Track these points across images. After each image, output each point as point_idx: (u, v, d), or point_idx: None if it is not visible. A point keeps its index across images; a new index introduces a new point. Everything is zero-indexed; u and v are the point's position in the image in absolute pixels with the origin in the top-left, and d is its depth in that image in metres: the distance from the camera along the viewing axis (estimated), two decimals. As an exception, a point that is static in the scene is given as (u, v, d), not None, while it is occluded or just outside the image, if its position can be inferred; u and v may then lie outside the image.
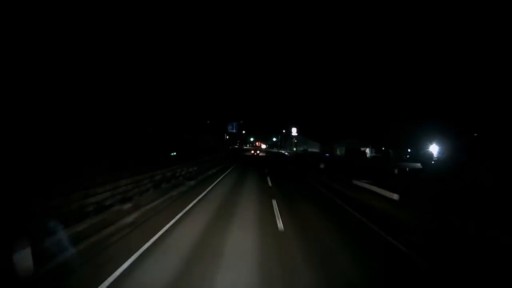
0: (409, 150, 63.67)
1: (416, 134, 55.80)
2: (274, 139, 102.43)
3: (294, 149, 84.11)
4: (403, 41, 67.84)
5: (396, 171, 25.24)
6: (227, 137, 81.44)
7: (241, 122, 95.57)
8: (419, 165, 38.13)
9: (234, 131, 71.97)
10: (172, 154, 28.44)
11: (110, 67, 21.96)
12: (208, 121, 60.09)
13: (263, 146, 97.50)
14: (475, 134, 39.45)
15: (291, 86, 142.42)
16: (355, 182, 17.27)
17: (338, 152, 60.41)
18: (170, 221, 7.75)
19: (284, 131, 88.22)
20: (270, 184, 15.21)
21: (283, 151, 77.92)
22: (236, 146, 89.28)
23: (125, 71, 24.28)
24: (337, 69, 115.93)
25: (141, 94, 27.21)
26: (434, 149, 43.97)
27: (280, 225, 7.71)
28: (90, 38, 19.72)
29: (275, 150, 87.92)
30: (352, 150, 53.38)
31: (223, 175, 18.83)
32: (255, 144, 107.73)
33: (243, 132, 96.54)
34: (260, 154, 53.25)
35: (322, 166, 25.93)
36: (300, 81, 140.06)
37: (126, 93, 24.30)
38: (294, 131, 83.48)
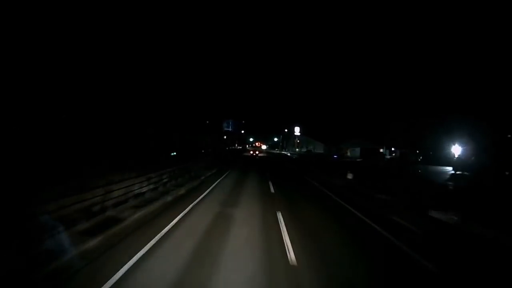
0: (418, 151, 55.83)
1: (436, 133, 47.83)
2: (276, 139, 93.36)
3: (297, 149, 75.57)
4: (413, 35, 59.60)
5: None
6: (225, 137, 73.05)
7: (243, 122, 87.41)
8: (450, 169, 30.94)
9: (230, 129, 62.61)
10: (172, 154, 27.14)
11: (110, 67, 21.53)
12: (207, 121, 58.25)
13: (264, 147, 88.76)
14: (509, 135, 33.15)
15: (293, 84, 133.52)
16: (434, 214, 9.00)
17: (349, 153, 51.74)
18: None
19: (286, 130, 79.34)
20: (280, 217, 6.81)
21: (284, 152, 69.33)
22: (238, 147, 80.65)
23: (124, 70, 23.39)
24: (341, 67, 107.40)
25: (141, 93, 26.12)
26: (456, 150, 36.81)
27: None
28: (90, 38, 19.54)
29: (276, 151, 79.06)
30: (368, 151, 44.80)
31: (190, 207, 8.77)
32: (255, 144, 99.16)
33: (242, 132, 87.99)
34: (260, 155, 49.29)
35: (350, 176, 17.51)
36: (302, 79, 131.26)
37: (125, 92, 23.54)
38: (297, 131, 74.63)
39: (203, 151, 35.77)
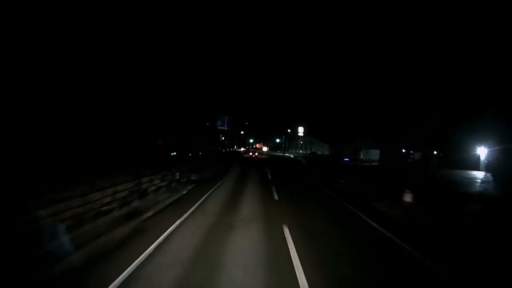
0: (435, 153, 48.55)
1: (457, 133, 40.55)
2: (278, 140, 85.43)
3: (300, 151, 68.08)
4: (421, 31, 52.28)
5: None
6: (223, 138, 65.75)
7: (246, 123, 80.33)
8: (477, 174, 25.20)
9: (225, 128, 54.88)
10: (172, 154, 26.27)
11: (111, 71, 21.25)
12: (207, 123, 54.51)
13: (265, 149, 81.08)
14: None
15: (295, 83, 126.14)
16: None
17: (362, 156, 44.19)
18: None
19: (289, 130, 71.55)
20: None
21: (288, 154, 61.81)
22: (239, 149, 73.23)
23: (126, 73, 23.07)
24: (346, 63, 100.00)
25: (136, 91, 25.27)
26: (482, 152, 30.34)
27: None
28: (89, 42, 19.39)
29: (278, 153, 71.44)
30: (390, 153, 37.29)
31: None
32: (255, 145, 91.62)
33: (242, 132, 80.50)
34: (260, 157, 46.27)
35: (409, 199, 10.29)
36: (305, 77, 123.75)
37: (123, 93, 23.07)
38: (300, 131, 66.83)
39: (190, 154, 28.68)
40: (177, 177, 12.80)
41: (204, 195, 10.33)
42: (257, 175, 18.21)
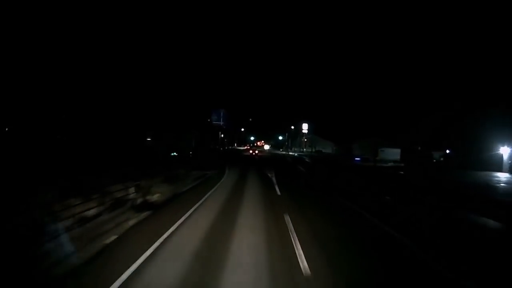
0: (447, 151, 43.74)
1: (475, 131, 35.50)
2: (280, 138, 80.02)
3: (304, 149, 62.98)
4: (431, 27, 46.89)
5: None
6: (222, 135, 60.71)
7: (250, 119, 75.39)
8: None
9: (221, 123, 49.52)
10: (173, 154, 25.21)
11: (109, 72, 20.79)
12: (208, 120, 53.17)
13: (266, 147, 76.07)
14: None
15: (298, 82, 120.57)
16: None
17: (378, 156, 38.66)
18: None
19: (292, 127, 66.15)
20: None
21: (292, 153, 56.74)
22: (239, 147, 67.99)
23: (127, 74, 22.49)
24: (349, 63, 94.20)
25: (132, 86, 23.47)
26: (505, 152, 27.61)
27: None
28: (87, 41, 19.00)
29: (281, 151, 66.24)
30: (412, 153, 32.27)
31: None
32: (256, 143, 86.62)
33: (242, 129, 75.34)
34: (260, 154, 44.53)
35: None
36: (308, 76, 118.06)
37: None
38: (304, 127, 61.55)
39: (175, 153, 24.75)
40: (130, 195, 7.71)
41: (150, 246, 4.80)
42: (260, 185, 13.13)
